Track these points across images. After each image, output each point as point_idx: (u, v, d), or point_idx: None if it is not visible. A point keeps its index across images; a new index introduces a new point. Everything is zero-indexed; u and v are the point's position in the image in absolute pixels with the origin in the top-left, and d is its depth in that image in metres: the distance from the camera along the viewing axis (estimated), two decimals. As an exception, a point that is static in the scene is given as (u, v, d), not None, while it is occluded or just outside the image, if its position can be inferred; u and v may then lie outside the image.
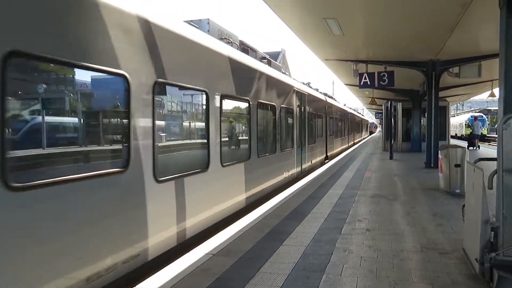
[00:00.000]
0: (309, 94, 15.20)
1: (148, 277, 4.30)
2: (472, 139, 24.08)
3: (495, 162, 4.12)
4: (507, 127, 3.91)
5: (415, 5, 8.49)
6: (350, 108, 41.11)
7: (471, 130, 24.75)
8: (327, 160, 18.86)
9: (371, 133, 76.79)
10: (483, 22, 9.40)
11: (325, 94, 21.74)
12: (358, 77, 14.45)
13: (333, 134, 22.20)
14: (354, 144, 36.16)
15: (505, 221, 3.88)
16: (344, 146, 28.26)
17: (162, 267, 4.62)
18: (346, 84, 24.15)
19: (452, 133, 33.84)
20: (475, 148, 23.30)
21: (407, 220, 6.77)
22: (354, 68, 14.38)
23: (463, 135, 41.27)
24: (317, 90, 19.50)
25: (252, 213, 7.27)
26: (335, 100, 26.62)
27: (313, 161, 15.91)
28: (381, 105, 29.38)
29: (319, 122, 17.73)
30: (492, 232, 3.95)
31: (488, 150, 23.22)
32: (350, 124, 33.57)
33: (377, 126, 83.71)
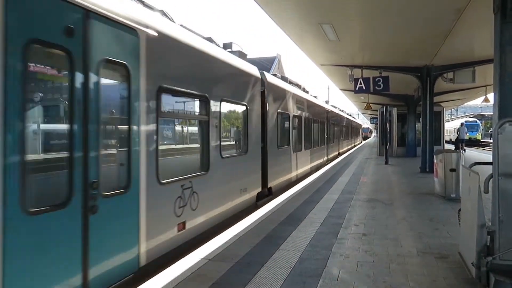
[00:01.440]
0: (173, 42, 5.77)
1: (143, 283, 4.26)
2: (458, 143, 26.46)
3: (491, 166, 4.13)
4: (502, 131, 3.94)
5: (410, 11, 8.56)
6: (335, 107, 30.00)
7: (457, 135, 27.48)
8: (265, 199, 9.76)
9: (365, 138, 76.17)
10: (477, 28, 9.48)
11: (265, 73, 10.58)
12: (353, 82, 14.50)
13: (289, 143, 12.53)
14: (339, 155, 27.27)
15: (501, 225, 3.88)
16: (319, 161, 18.86)
17: (157, 272, 4.58)
18: (341, 89, 24.23)
19: (447, 138, 34.16)
20: (460, 151, 24.25)
21: (403, 224, 6.77)
22: (350, 73, 14.43)
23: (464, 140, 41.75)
24: (242, 55, 9.85)
25: (248, 217, 7.24)
26: (299, 88, 15.55)
27: (192, 223, 6.04)
28: (377, 110, 29.53)
29: (239, 122, 8.82)
30: (488, 236, 3.96)
31: (474, 153, 25.16)
32: (331, 128, 23.31)
33: (372, 131, 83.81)
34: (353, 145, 43.99)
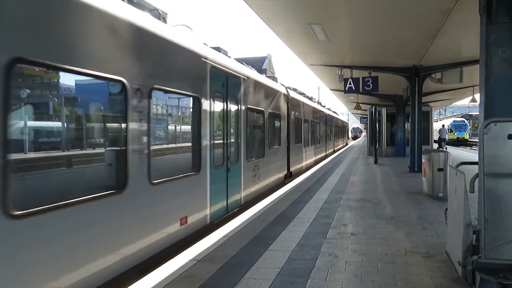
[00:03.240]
0: None
1: (130, 285, 4.23)
2: (440, 141, 29.06)
3: (477, 166, 4.18)
4: (487, 131, 3.98)
5: (398, 11, 8.63)
6: (292, 90, 16.23)
7: (439, 135, 30.45)
8: None
9: (355, 138, 77.43)
10: (464, 29, 9.59)
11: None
12: (343, 82, 14.60)
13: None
14: (291, 175, 14.48)
15: (487, 224, 3.93)
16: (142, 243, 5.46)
17: (145, 274, 4.54)
18: (331, 89, 24.35)
19: (435, 137, 34.84)
20: (442, 148, 26.02)
21: (391, 224, 6.82)
22: (339, 74, 14.53)
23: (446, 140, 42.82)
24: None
25: (237, 218, 7.23)
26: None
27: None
28: (366, 110, 29.73)
29: None
30: (474, 235, 4.00)
31: (462, 152, 26.32)
32: (260, 125, 10.97)
33: (362, 131, 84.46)
34: (332, 150, 30.37)
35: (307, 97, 20.91)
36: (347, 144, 46.87)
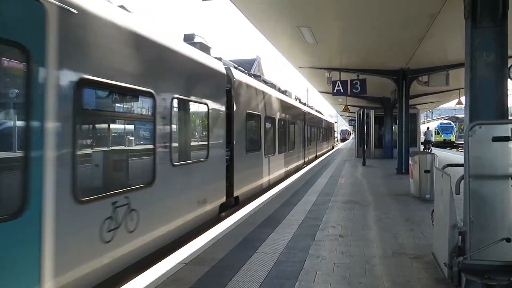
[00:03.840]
0: None
1: (117, 289, 4.17)
2: (426, 144, 29.68)
3: (462, 168, 4.23)
4: (472, 133, 4.03)
5: (386, 15, 8.72)
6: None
7: (424, 137, 31.24)
8: None
9: (344, 140, 78.35)
10: (450, 33, 9.73)
11: None
12: (331, 84, 14.67)
13: None
14: (235, 204, 9.28)
15: (472, 226, 3.98)
16: None
17: (133, 277, 4.49)
18: (320, 92, 24.48)
19: (422, 139, 35.46)
20: (427, 150, 27.06)
21: (379, 225, 6.86)
22: (328, 76, 14.61)
23: (432, 142, 43.48)
24: None
25: (226, 220, 7.20)
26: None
27: None
28: (354, 113, 29.96)
29: None
30: (460, 237, 4.04)
31: (448, 154, 27.09)
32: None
33: (350, 133, 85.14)
34: (314, 155, 25.46)
35: (280, 90, 15.91)
36: (333, 148, 41.95)
